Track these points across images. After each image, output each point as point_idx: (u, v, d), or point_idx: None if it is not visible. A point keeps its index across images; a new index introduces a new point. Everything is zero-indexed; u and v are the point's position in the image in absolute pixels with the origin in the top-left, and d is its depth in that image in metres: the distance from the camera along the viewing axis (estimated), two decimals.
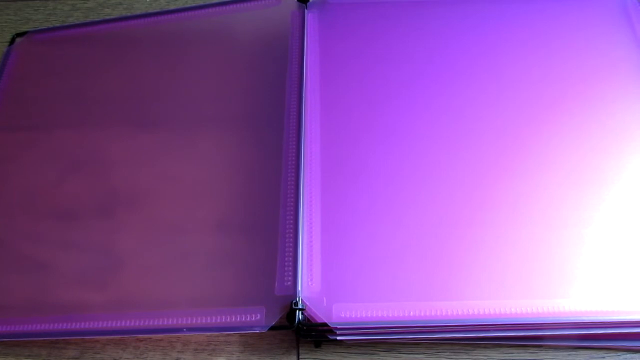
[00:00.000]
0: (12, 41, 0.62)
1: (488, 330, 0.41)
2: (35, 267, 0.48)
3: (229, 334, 0.45)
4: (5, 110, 0.57)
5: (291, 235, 0.44)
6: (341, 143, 0.49)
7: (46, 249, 0.48)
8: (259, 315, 0.42)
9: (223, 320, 0.42)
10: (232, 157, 0.50)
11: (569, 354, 0.43)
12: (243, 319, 0.42)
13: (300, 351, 0.44)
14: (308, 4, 0.56)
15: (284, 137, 0.49)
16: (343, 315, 0.41)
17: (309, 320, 0.41)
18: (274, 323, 0.41)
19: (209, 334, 0.44)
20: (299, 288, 0.42)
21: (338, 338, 0.41)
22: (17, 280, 0.47)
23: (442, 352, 0.43)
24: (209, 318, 0.42)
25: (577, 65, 0.52)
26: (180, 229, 0.48)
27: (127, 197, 0.50)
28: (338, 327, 0.41)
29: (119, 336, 0.44)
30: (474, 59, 0.53)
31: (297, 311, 0.41)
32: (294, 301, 0.41)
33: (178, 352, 0.44)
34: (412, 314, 0.41)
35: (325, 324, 0.41)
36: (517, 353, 0.43)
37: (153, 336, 0.45)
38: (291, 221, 0.45)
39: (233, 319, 0.42)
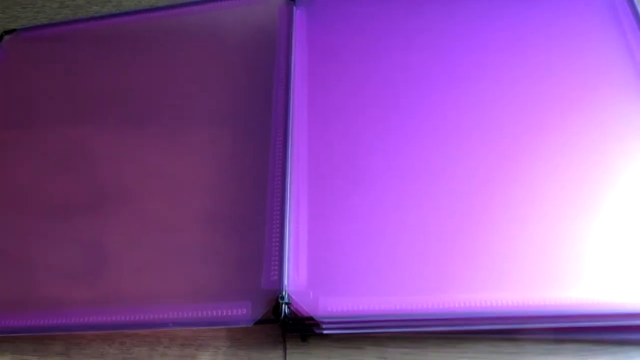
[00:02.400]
0: (0, 39, 0.62)
1: (475, 324, 0.41)
2: (21, 262, 0.48)
3: (215, 329, 0.45)
4: None
5: (278, 229, 0.44)
6: (329, 137, 0.49)
7: (33, 245, 0.48)
8: (245, 310, 0.42)
9: (209, 314, 0.42)
10: (219, 152, 0.50)
11: (555, 347, 0.43)
12: (229, 313, 0.42)
13: (287, 346, 0.44)
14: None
15: (272, 132, 0.49)
16: (329, 309, 0.41)
17: (295, 314, 0.41)
18: (260, 317, 0.41)
19: (195, 328, 0.44)
20: (285, 282, 0.42)
21: (324, 332, 0.41)
22: (2, 275, 0.47)
23: (429, 346, 0.43)
24: (194, 312, 0.42)
25: (565, 61, 0.52)
26: (168, 225, 0.47)
27: (115, 192, 0.50)
28: (324, 320, 0.41)
29: (105, 331, 0.44)
30: (464, 55, 0.53)
31: (283, 305, 0.41)
32: (280, 295, 0.41)
33: (164, 347, 0.44)
34: (398, 307, 0.41)
35: (311, 318, 0.41)
36: (504, 346, 0.43)
37: (139, 331, 0.45)
38: (278, 215, 0.45)
39: (219, 314, 0.42)
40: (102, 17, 0.62)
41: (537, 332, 0.43)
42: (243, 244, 0.45)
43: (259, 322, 0.41)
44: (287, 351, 0.44)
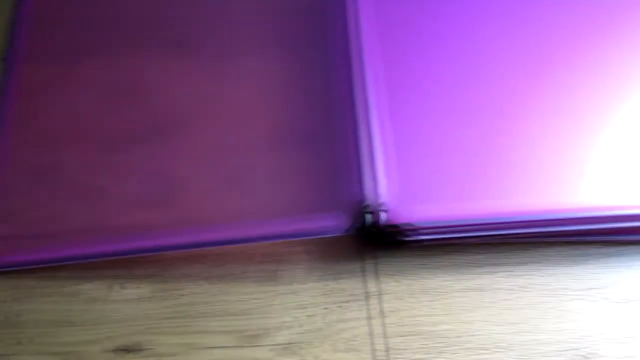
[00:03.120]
0: None
1: (548, 225, 0.44)
2: (94, 193, 0.47)
3: (296, 245, 0.45)
4: (37, 39, 0.55)
5: (366, 140, 0.45)
6: (402, 42, 0.50)
7: (102, 176, 0.48)
8: (339, 220, 0.43)
9: (304, 227, 0.43)
10: (278, 70, 0.51)
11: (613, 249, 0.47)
12: (325, 224, 0.43)
13: (369, 255, 0.45)
14: None
15: (336, 41, 0.50)
16: (424, 216, 0.43)
17: (390, 222, 0.43)
18: (355, 226, 0.42)
19: (288, 243, 0.45)
20: (380, 191, 0.43)
21: (420, 237, 0.43)
22: (79, 206, 0.47)
23: (504, 252, 0.46)
24: (287, 226, 0.43)
25: None
26: (239, 146, 0.48)
27: (178, 121, 0.50)
28: (420, 226, 0.42)
29: (199, 249, 0.45)
30: None
31: (379, 212, 0.42)
32: (375, 203, 0.42)
33: (258, 262, 0.45)
34: (487, 212, 0.43)
35: (409, 224, 0.42)
36: (567, 250, 0.47)
37: (232, 249, 0.45)
38: (364, 126, 0.45)
39: (314, 225, 0.43)
40: None
41: (598, 234, 0.47)
42: (330, 157, 0.46)
43: (359, 230, 0.42)
44: (372, 261, 0.45)
